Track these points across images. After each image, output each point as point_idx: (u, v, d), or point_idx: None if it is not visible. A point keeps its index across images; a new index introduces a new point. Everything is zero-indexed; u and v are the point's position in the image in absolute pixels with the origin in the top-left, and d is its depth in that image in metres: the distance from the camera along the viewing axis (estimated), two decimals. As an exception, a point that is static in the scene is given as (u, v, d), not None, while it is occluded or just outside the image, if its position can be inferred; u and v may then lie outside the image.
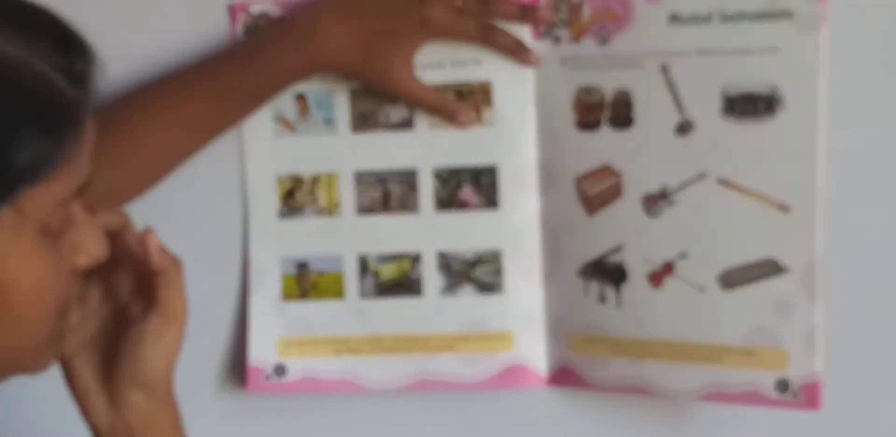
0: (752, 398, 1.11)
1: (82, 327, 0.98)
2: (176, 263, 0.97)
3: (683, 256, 1.13)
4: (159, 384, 0.96)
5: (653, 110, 1.13)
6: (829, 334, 1.09)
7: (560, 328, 1.20)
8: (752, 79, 1.08)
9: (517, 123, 1.20)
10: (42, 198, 0.82)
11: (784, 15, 1.07)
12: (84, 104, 0.84)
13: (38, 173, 0.81)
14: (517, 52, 1.18)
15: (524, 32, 1.18)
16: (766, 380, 1.10)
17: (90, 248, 0.89)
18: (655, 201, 1.14)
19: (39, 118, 0.80)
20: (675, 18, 1.11)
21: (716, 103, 1.10)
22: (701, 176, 1.11)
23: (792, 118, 1.07)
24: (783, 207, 1.09)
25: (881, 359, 1.17)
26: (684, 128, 1.12)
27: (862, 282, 1.16)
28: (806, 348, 1.09)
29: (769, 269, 1.10)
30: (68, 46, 0.84)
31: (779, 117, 1.08)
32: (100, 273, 0.97)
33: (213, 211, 1.25)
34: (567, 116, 1.18)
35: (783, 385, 1.10)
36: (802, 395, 1.09)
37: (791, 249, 1.09)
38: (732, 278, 1.11)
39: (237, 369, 1.26)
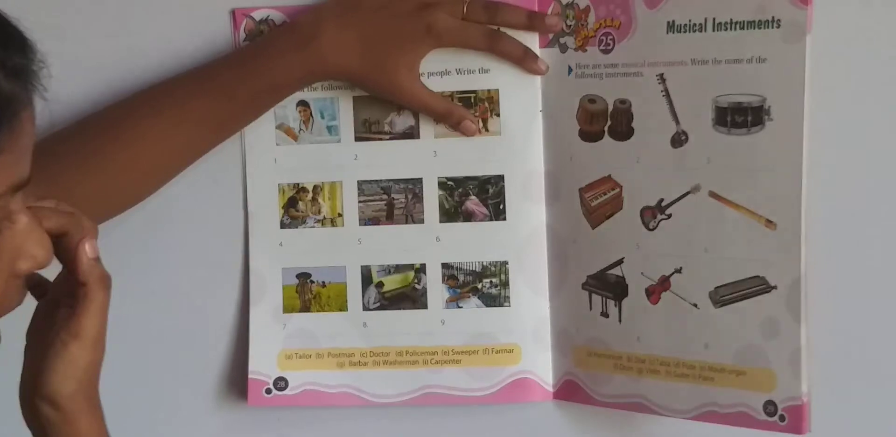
0: (742, 419, 1.08)
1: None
2: (103, 278, 0.93)
3: (679, 271, 1.11)
4: (66, 400, 0.91)
5: (651, 121, 1.12)
6: (821, 356, 1.07)
7: (565, 342, 1.19)
8: (741, 89, 1.07)
9: (524, 132, 1.19)
10: None
11: (771, 23, 1.05)
12: (21, 99, 0.82)
13: None
14: (524, 60, 1.16)
15: (531, 40, 1.17)
16: (755, 402, 1.08)
17: (34, 253, 0.87)
18: (653, 214, 1.12)
19: None
20: (671, 26, 1.09)
21: (708, 114, 1.08)
22: (695, 189, 1.09)
23: (778, 130, 1.05)
24: (770, 223, 1.06)
25: (872, 381, 1.16)
26: (680, 139, 1.10)
27: (850, 301, 1.14)
28: (792, 370, 1.06)
29: (757, 286, 1.07)
30: (5, 40, 0.82)
31: (767, 129, 1.06)
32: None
33: (215, 220, 1.24)
34: (573, 126, 1.16)
35: (771, 407, 1.07)
36: (788, 418, 1.06)
37: (777, 266, 1.06)
38: (723, 296, 1.09)
39: (238, 381, 1.24)
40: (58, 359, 0.91)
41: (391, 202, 1.21)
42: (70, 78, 1.22)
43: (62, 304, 0.93)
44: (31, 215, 0.87)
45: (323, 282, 1.22)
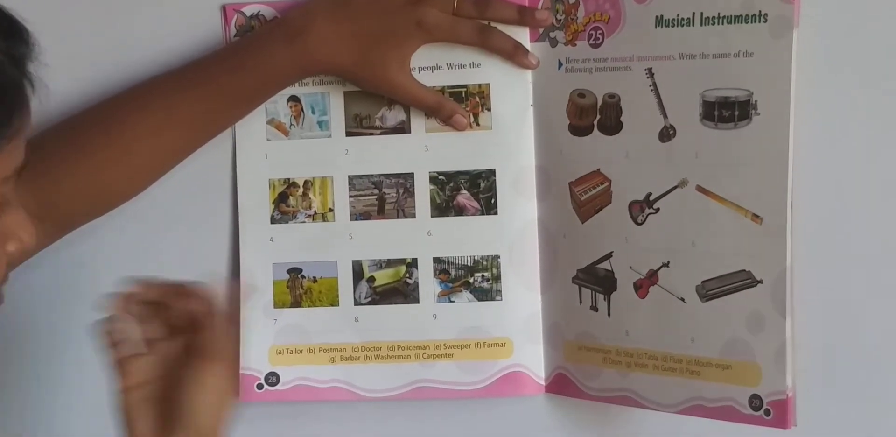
0: (728, 413, 1.08)
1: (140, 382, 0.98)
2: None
3: (667, 265, 1.11)
4: (204, 428, 0.95)
5: (639, 115, 1.12)
6: (806, 351, 1.07)
7: (556, 336, 1.19)
8: (728, 84, 1.06)
9: (515, 126, 1.18)
10: None
11: (758, 17, 1.05)
12: (27, 86, 0.87)
13: None
14: (515, 54, 1.16)
15: (522, 35, 1.17)
16: (740, 396, 1.08)
17: (21, 235, 0.91)
18: (641, 208, 1.12)
19: None
20: (660, 20, 1.09)
21: (696, 109, 1.08)
22: (683, 183, 1.10)
23: (765, 125, 1.05)
24: (756, 217, 1.06)
25: (857, 375, 1.16)
26: (668, 133, 1.10)
27: (835, 295, 1.14)
28: (777, 364, 1.06)
29: (743, 280, 1.07)
30: (8, 31, 0.86)
31: (753, 123, 1.06)
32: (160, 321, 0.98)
33: (205, 215, 1.24)
34: (563, 120, 1.16)
35: (756, 402, 1.07)
36: (774, 412, 1.06)
37: (763, 260, 1.06)
38: (710, 290, 1.09)
39: (229, 376, 1.24)
40: (197, 387, 0.95)
41: (382, 197, 1.21)
42: (59, 74, 1.22)
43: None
44: (18, 202, 0.91)
45: (314, 277, 1.22)
